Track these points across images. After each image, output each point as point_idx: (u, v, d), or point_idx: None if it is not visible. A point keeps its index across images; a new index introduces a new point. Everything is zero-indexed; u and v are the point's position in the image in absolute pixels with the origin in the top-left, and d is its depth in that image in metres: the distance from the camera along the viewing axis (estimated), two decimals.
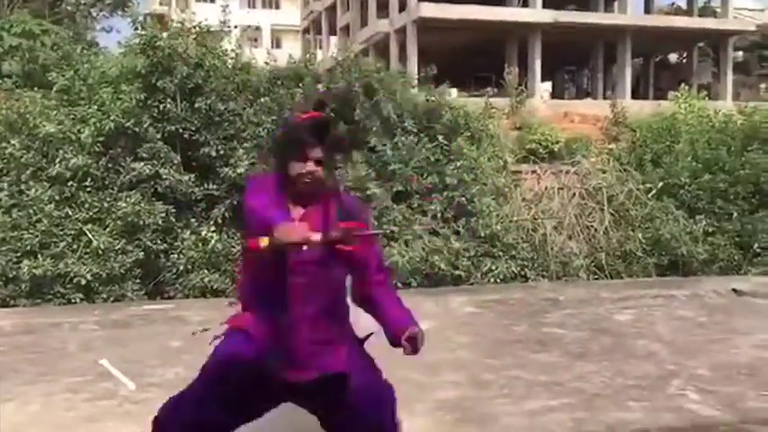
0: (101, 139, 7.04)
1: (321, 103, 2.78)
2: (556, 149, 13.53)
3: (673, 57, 37.46)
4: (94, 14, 25.93)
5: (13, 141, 7.08)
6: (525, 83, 21.84)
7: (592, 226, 9.10)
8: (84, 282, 6.44)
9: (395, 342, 2.53)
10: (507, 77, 18.35)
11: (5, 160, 7.09)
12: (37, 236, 6.62)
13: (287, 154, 2.58)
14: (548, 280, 8.10)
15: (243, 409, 2.62)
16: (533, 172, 10.38)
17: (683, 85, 18.33)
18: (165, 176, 6.96)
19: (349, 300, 2.76)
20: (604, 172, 9.76)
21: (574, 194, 9.49)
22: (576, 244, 8.77)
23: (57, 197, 6.83)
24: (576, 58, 34.05)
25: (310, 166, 2.52)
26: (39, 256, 6.48)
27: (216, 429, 2.59)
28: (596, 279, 8.41)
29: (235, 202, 7.21)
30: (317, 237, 2.42)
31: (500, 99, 16.48)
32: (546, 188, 9.72)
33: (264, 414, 2.64)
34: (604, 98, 27.15)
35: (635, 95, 28.48)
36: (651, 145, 10.78)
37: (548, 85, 28.26)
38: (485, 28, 26.45)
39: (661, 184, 9.54)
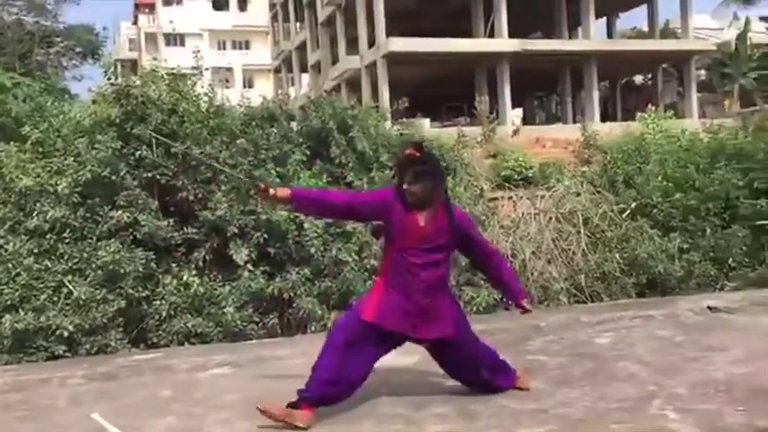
0: (78, 189, 7.05)
1: (415, 144, 4.29)
2: (530, 175, 13.75)
3: (638, 78, 38.27)
4: (65, 64, 26.01)
5: None
6: (496, 110, 22.22)
7: (570, 249, 9.23)
8: (66, 334, 6.39)
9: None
10: (478, 106, 18.69)
11: None
12: (17, 290, 6.57)
13: (397, 178, 4.24)
14: (529, 305, 8.19)
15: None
16: (509, 198, 10.53)
17: (649, 105, 18.77)
18: (143, 223, 6.98)
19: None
20: (579, 195, 9.93)
21: (550, 219, 9.63)
22: (555, 268, 8.89)
23: (35, 250, 6.81)
24: (544, 85, 34.71)
25: (407, 186, 4.05)
26: (20, 310, 6.44)
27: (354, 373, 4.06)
28: (576, 302, 8.52)
29: (215, 245, 7.25)
30: None
31: (472, 128, 16.75)
32: (523, 214, 9.85)
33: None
34: (574, 122, 27.66)
35: (604, 118, 29.05)
36: (622, 166, 11.01)
37: (518, 112, 28.72)
38: (453, 59, 26.93)
39: (634, 204, 9.73)
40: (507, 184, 11.48)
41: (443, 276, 4.27)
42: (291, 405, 3.99)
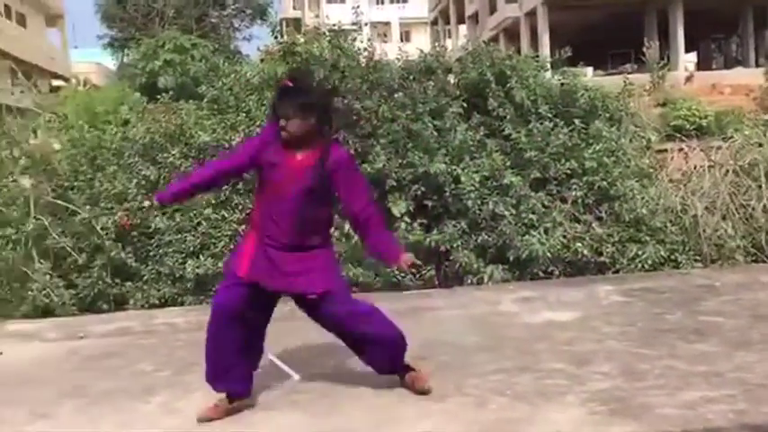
0: None
1: (293, 72, 4.17)
2: (704, 124, 12.81)
3: None
4: (236, 25, 27.46)
5: (173, 151, 7.70)
6: (667, 55, 20.72)
7: (749, 204, 8.54)
8: None
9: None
10: (646, 51, 17.51)
11: (167, 169, 7.72)
12: (198, 237, 7.18)
13: (272, 113, 3.76)
14: (701, 264, 7.71)
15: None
16: (680, 150, 9.87)
17: None
18: None
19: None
20: (761, 146, 9.12)
21: (727, 172, 8.93)
22: (731, 225, 8.28)
23: (213, 201, 7.36)
24: (722, 26, 31.80)
25: (282, 122, 3.55)
26: (200, 256, 7.03)
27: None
28: (754, 261, 7.91)
29: (375, 196, 7.43)
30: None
31: (640, 75, 15.78)
32: (695, 167, 9.23)
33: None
34: (757, 66, 25.16)
35: None
36: None
37: (692, 56, 26.56)
38: (619, 2, 25.32)
39: None
40: (678, 135, 10.75)
41: (315, 225, 3.78)
42: None
